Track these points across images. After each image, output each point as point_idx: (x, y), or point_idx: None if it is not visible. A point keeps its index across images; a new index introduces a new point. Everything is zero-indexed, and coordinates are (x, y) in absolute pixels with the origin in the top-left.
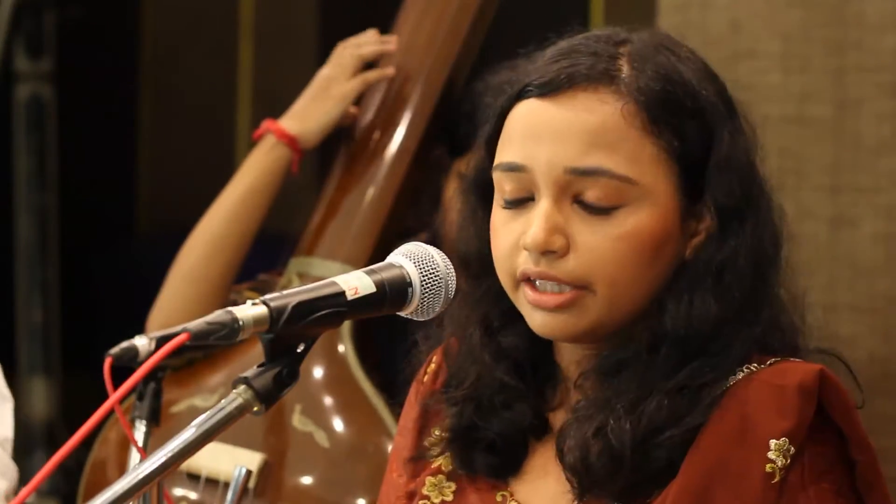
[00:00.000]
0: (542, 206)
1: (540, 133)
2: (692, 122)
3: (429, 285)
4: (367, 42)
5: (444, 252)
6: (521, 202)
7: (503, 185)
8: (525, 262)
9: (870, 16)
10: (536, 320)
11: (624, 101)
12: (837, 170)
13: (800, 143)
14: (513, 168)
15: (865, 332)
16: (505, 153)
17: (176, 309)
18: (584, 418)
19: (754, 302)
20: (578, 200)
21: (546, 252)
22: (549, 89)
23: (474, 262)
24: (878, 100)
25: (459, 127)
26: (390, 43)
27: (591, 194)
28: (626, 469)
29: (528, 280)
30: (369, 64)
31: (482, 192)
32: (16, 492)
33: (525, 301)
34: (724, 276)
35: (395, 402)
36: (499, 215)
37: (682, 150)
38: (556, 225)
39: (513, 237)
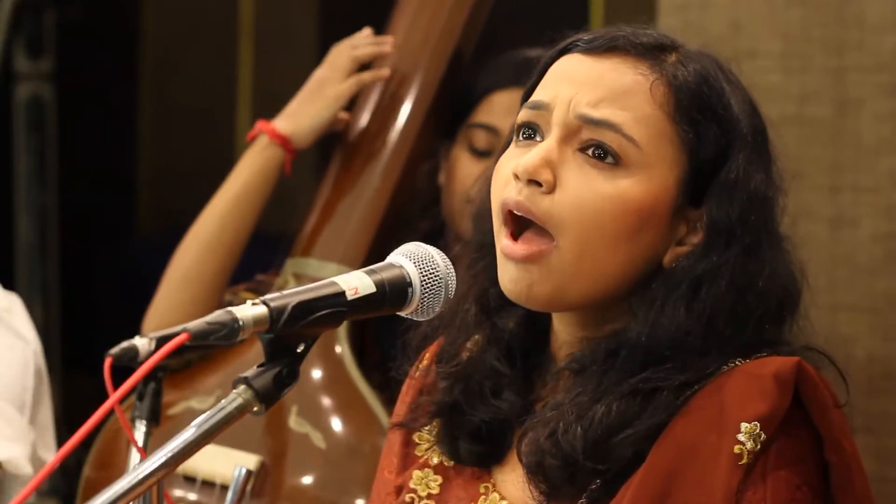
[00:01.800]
0: (546, 142)
1: (570, 78)
2: (715, 128)
3: (429, 285)
4: (362, 43)
5: (449, 219)
6: (532, 136)
7: (522, 118)
8: (509, 192)
9: (870, 16)
10: (505, 276)
11: (658, 77)
12: (837, 170)
13: (800, 143)
14: (536, 105)
15: (865, 331)
16: (536, 94)
17: (171, 310)
18: (541, 423)
19: (730, 333)
20: (583, 149)
21: (532, 182)
22: (594, 46)
23: (485, 235)
24: (878, 100)
25: (461, 95)
26: (386, 44)
27: (596, 143)
28: (585, 472)
29: (507, 222)
30: (366, 65)
31: None
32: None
33: (501, 255)
34: (699, 290)
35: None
36: (506, 153)
37: (697, 147)
38: (552, 160)
39: (510, 168)
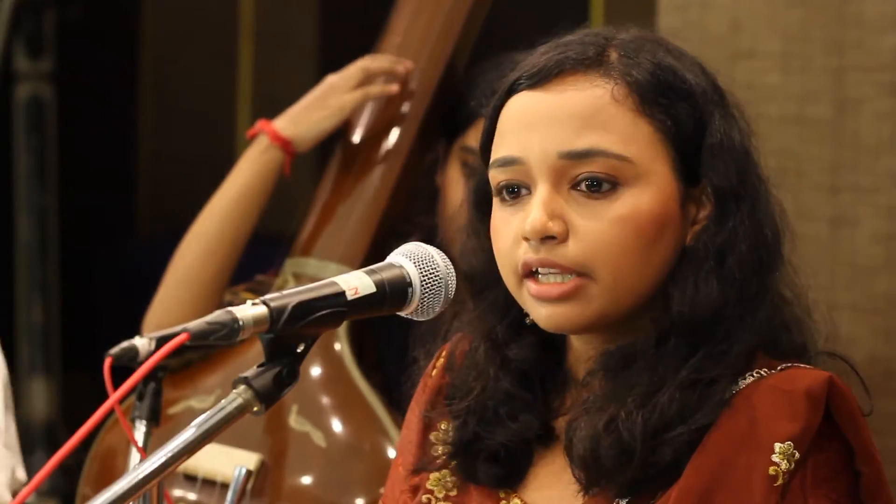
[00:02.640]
0: (540, 193)
1: (531, 123)
2: (683, 104)
3: (429, 285)
4: (380, 58)
5: (442, 239)
6: (517, 193)
7: (498, 179)
8: (526, 253)
9: (870, 16)
10: (541, 313)
11: (614, 82)
12: (837, 170)
13: (800, 143)
14: (508, 162)
15: (865, 332)
16: (499, 149)
17: (171, 311)
18: (594, 410)
19: (756, 287)
20: (576, 185)
21: (545, 239)
22: (539, 79)
23: (478, 276)
24: (878, 100)
25: (457, 107)
26: (402, 65)
27: (588, 176)
28: (635, 463)
29: (531, 273)
30: None
31: (483, 207)
32: (21, 481)
33: (529, 296)
34: (725, 259)
35: (394, 402)
36: (498, 215)
37: (676, 130)
38: (555, 210)
39: (513, 232)
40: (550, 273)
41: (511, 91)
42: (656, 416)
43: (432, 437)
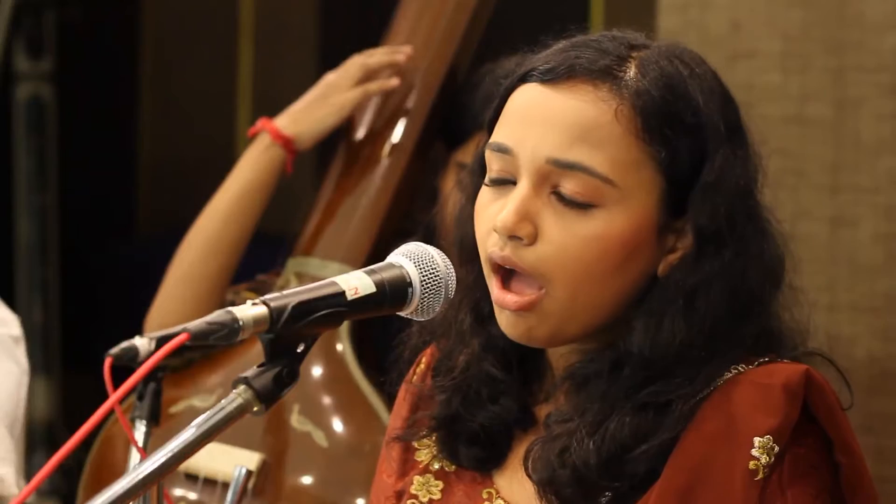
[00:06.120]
0: (519, 191)
1: (532, 118)
2: (686, 138)
3: (429, 285)
4: (377, 52)
5: (441, 246)
6: (504, 183)
7: (491, 164)
8: (494, 245)
9: (870, 16)
10: (502, 321)
11: (621, 101)
12: (837, 170)
13: (800, 143)
14: (501, 149)
15: (865, 331)
16: (498, 133)
17: (173, 310)
18: (548, 438)
19: (728, 333)
20: (556, 192)
21: (513, 237)
22: (551, 76)
23: (469, 245)
24: (878, 100)
25: (456, 118)
26: (400, 53)
27: (569, 188)
28: (598, 487)
29: (496, 270)
30: None
31: (484, 175)
32: (22, 477)
33: (494, 301)
34: (695, 300)
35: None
36: (483, 195)
37: (671, 162)
38: (528, 211)
39: (490, 220)
40: (512, 280)
41: (523, 79)
42: (608, 442)
43: (415, 442)
